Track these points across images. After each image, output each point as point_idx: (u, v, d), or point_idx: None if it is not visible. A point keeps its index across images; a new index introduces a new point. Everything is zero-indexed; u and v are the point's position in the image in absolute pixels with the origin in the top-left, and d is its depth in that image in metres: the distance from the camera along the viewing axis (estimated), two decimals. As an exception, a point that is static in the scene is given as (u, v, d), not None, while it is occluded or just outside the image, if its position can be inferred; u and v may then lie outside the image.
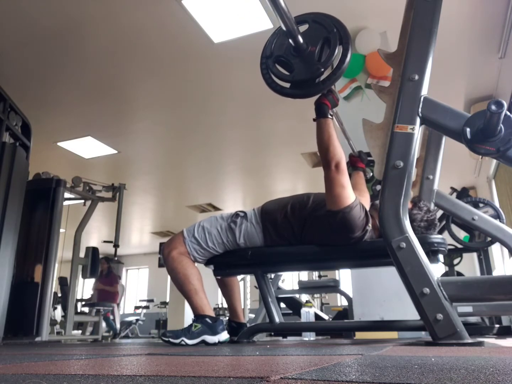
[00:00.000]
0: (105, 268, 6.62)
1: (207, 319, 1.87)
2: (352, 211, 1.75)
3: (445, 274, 4.38)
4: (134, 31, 3.76)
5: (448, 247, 2.36)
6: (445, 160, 2.25)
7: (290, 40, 1.56)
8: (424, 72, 1.53)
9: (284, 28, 1.48)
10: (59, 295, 5.40)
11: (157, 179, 7.42)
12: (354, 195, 1.78)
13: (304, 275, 6.98)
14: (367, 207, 1.96)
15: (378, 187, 2.28)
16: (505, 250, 5.64)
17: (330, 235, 1.85)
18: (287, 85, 1.64)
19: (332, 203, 1.77)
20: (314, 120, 1.74)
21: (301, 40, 1.55)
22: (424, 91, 1.52)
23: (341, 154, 1.72)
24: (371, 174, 2.38)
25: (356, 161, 2.30)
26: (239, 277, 3.22)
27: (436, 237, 1.75)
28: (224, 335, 1.88)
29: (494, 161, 5.70)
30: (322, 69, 1.55)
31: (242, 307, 2.49)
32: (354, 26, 3.63)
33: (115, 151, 6.11)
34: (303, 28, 1.62)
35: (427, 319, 1.36)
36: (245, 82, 4.47)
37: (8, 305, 3.10)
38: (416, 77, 1.52)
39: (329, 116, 1.71)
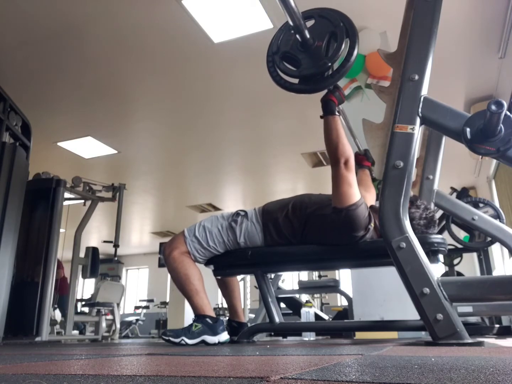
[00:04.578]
0: None
1: (208, 319, 1.87)
2: (357, 209, 1.75)
3: (445, 274, 4.39)
4: (134, 31, 3.75)
5: (448, 247, 2.36)
6: (445, 160, 2.25)
7: (297, 36, 1.56)
8: (424, 72, 1.53)
9: (291, 23, 1.49)
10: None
11: (157, 179, 7.42)
12: (359, 194, 1.78)
13: (304, 275, 6.98)
14: (373, 203, 1.96)
15: None
16: (505, 250, 5.64)
17: (332, 233, 1.84)
18: (295, 81, 1.63)
19: (338, 200, 1.77)
20: (321, 117, 1.72)
21: (307, 35, 1.55)
22: (424, 91, 1.52)
23: (350, 151, 1.72)
24: None
25: (362, 159, 2.29)
26: (239, 277, 3.22)
27: (436, 237, 1.75)
28: (224, 336, 1.88)
29: (494, 161, 5.70)
30: (330, 63, 1.55)
31: (242, 307, 2.49)
32: (354, 26, 3.63)
33: (115, 151, 6.10)
34: (309, 23, 1.63)
35: (427, 319, 1.36)
36: (245, 82, 4.47)
37: (8, 305, 3.10)
38: (416, 77, 1.52)
39: (337, 113, 1.71)
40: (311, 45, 1.58)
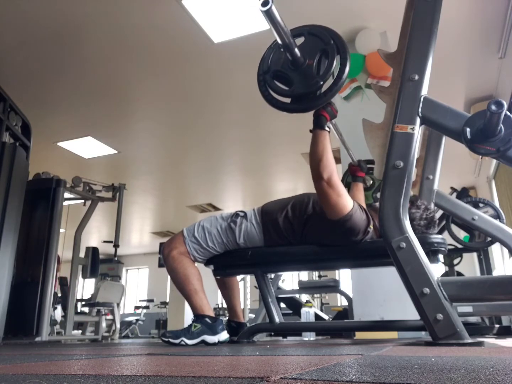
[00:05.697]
0: None
1: (207, 319, 1.87)
2: (353, 216, 1.74)
3: (445, 274, 4.39)
4: (134, 31, 3.76)
5: (448, 247, 2.36)
6: (445, 160, 2.25)
7: (287, 54, 1.53)
8: (424, 72, 1.53)
9: (280, 42, 1.45)
10: (59, 295, 5.40)
11: (157, 179, 7.42)
12: (351, 201, 1.77)
13: (304, 275, 6.98)
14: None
15: (379, 195, 2.27)
16: (505, 250, 5.64)
17: (331, 236, 1.85)
18: (287, 100, 1.61)
19: (331, 213, 1.76)
20: (310, 131, 1.72)
21: (298, 53, 1.52)
22: (424, 91, 1.52)
23: (332, 168, 1.68)
24: (371, 182, 2.37)
25: (356, 170, 2.28)
26: (239, 277, 3.22)
27: (436, 237, 1.75)
28: (224, 335, 1.88)
29: (494, 161, 5.70)
30: (322, 82, 1.53)
31: (242, 307, 2.50)
32: (354, 26, 3.63)
33: (115, 151, 6.11)
34: (299, 41, 1.59)
35: (427, 319, 1.36)
36: (245, 82, 4.47)
37: (8, 305, 3.10)
38: (416, 77, 1.52)
39: (326, 129, 1.69)
40: (302, 64, 1.55)
